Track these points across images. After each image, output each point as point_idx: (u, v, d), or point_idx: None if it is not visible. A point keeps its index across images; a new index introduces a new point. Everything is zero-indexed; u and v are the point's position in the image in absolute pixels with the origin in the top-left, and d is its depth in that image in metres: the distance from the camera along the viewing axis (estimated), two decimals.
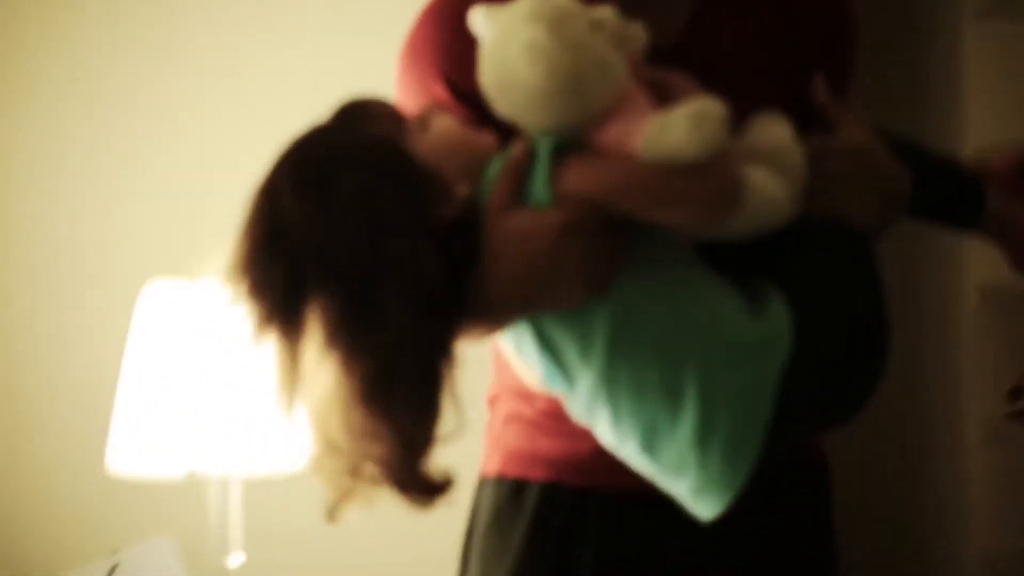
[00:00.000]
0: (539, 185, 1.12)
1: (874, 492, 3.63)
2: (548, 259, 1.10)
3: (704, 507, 1.15)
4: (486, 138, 1.16)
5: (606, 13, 1.14)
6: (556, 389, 1.19)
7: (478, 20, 1.17)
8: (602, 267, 1.12)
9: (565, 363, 1.16)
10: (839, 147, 1.23)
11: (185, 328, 2.11)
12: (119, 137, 2.63)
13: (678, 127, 1.09)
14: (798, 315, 1.14)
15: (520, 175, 1.13)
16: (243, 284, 1.08)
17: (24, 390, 2.66)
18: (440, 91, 1.27)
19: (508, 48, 1.12)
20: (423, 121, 1.16)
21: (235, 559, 2.22)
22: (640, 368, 1.13)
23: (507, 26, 1.13)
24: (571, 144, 1.13)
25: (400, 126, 1.15)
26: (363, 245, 1.05)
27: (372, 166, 1.08)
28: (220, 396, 2.06)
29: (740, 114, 1.18)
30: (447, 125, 1.16)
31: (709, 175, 1.10)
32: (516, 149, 1.13)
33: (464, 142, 1.16)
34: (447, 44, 1.27)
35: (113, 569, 2.45)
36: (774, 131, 1.20)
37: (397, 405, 1.06)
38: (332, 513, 1.10)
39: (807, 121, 1.24)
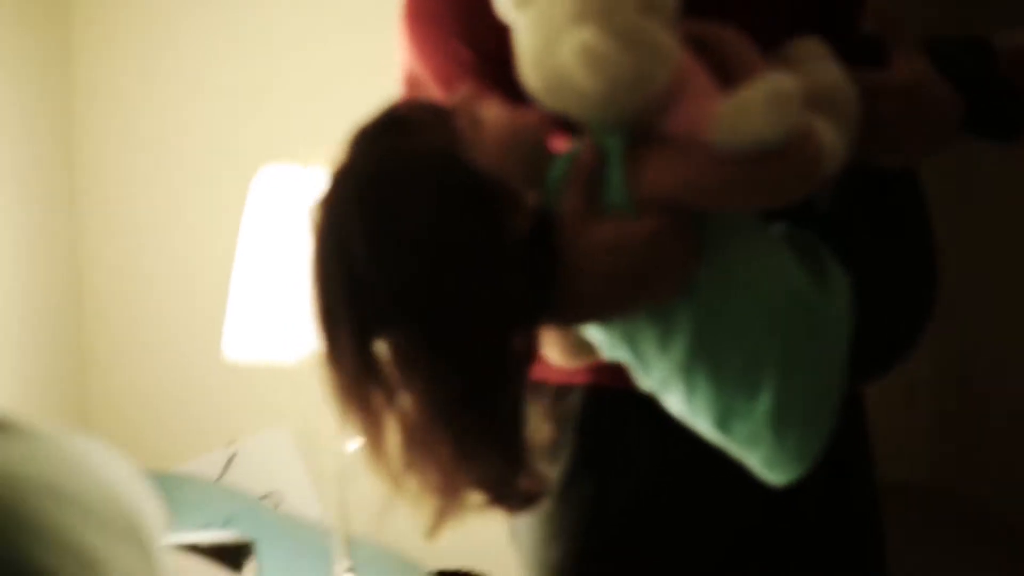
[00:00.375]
0: (616, 190, 1.04)
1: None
2: (638, 270, 1.05)
3: (776, 476, 1.12)
4: (536, 120, 1.07)
5: None
6: (622, 362, 1.14)
7: (506, 3, 1.06)
8: (688, 266, 1.06)
9: (641, 352, 1.11)
10: (892, 86, 1.14)
11: (298, 213, 2.09)
12: (236, 25, 2.63)
13: (755, 113, 1.00)
14: (856, 275, 1.10)
15: (593, 180, 1.05)
16: (323, 337, 1.03)
17: (141, 280, 2.68)
18: (465, 54, 1.18)
19: (557, 52, 1.02)
20: (470, 115, 1.05)
21: (352, 444, 2.22)
22: (721, 357, 1.08)
23: (549, 23, 1.03)
24: (638, 137, 1.05)
25: (451, 130, 1.04)
26: (442, 278, 1.00)
27: (439, 190, 1.01)
28: None
29: (765, 44, 1.09)
30: (497, 117, 1.06)
31: (792, 154, 1.01)
32: (582, 151, 1.06)
33: (520, 133, 1.06)
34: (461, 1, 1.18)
35: (231, 459, 2.48)
36: (823, 70, 1.10)
37: (491, 426, 1.02)
38: (431, 532, 1.05)
39: (832, 41, 1.14)
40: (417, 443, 1.02)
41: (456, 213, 1.00)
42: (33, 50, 2.60)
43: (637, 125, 1.04)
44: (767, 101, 1.00)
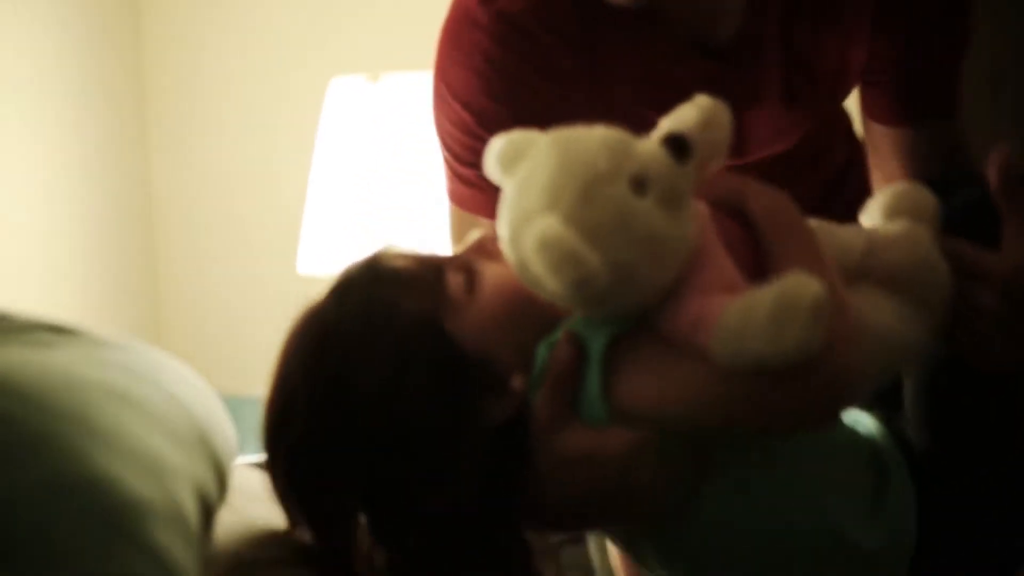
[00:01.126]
0: (592, 399, 0.88)
1: None
2: (612, 488, 0.90)
3: None
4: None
5: (654, 155, 0.82)
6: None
7: (492, 162, 0.89)
8: (681, 484, 0.92)
9: (642, 557, 0.99)
10: (998, 273, 0.92)
11: (371, 126, 2.04)
12: None
13: (758, 326, 0.80)
14: (940, 493, 0.97)
15: (567, 382, 0.89)
16: (283, 509, 0.96)
17: (213, 197, 2.65)
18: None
19: (522, 238, 0.83)
20: (469, 274, 0.92)
21: None
22: None
23: (523, 200, 0.84)
24: (630, 330, 0.88)
25: (438, 294, 0.92)
26: (386, 463, 0.90)
27: (401, 362, 0.89)
28: (409, 194, 1.99)
29: (792, 131, 1.01)
30: (501, 279, 0.91)
31: (805, 376, 0.82)
32: (560, 344, 0.89)
33: (521, 305, 0.91)
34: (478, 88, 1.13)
35: None
36: (913, 243, 0.93)
37: None
38: None
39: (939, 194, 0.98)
40: None
41: (413, 390, 0.89)
42: None
43: (634, 315, 0.87)
44: (772, 315, 0.80)
